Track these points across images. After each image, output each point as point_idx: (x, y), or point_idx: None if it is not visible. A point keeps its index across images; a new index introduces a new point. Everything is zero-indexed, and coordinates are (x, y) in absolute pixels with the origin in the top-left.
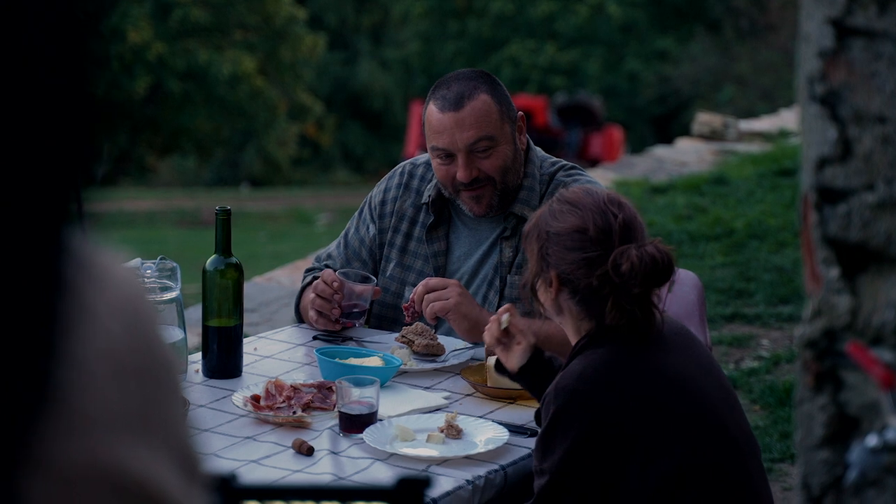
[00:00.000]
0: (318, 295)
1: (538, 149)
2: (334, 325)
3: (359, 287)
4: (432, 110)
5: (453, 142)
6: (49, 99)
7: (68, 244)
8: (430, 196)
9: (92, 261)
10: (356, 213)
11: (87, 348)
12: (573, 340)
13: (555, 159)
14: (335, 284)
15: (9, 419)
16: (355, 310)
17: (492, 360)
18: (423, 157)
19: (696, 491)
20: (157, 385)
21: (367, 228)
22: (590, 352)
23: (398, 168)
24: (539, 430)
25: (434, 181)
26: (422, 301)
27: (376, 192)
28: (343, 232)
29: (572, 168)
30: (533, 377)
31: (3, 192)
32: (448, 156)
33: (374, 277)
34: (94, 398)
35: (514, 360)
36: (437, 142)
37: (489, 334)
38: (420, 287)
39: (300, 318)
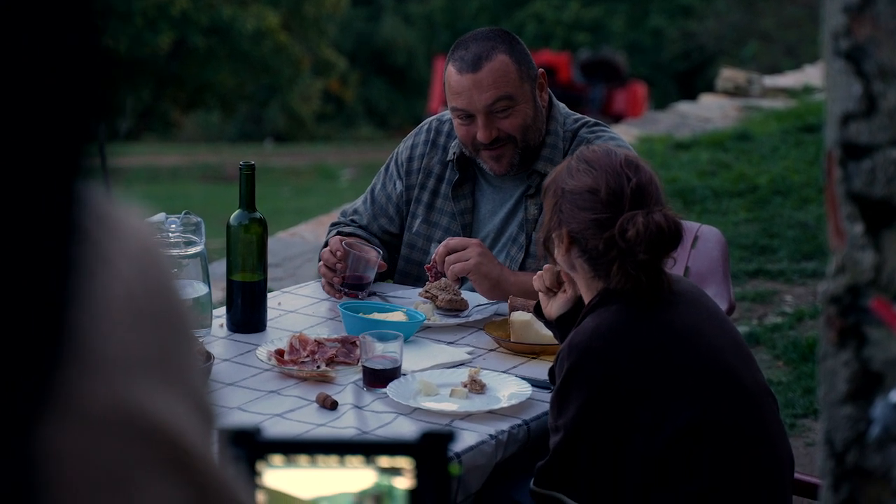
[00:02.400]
0: (323, 263)
1: (562, 105)
2: (337, 293)
3: (363, 257)
4: (451, 71)
5: (472, 103)
6: (59, 50)
7: (82, 195)
8: (454, 153)
9: (107, 212)
10: (382, 169)
11: (104, 294)
12: (586, 298)
13: (578, 116)
14: (338, 254)
15: (31, 365)
16: (360, 282)
17: (516, 315)
18: (448, 114)
19: (710, 445)
20: (174, 331)
21: (394, 185)
22: (602, 309)
23: (424, 124)
24: (554, 388)
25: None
26: (443, 262)
27: (403, 148)
28: (369, 188)
29: (596, 125)
30: (569, 329)
31: (16, 142)
32: (468, 116)
33: (380, 250)
34: (113, 342)
35: (555, 307)
36: (456, 103)
37: (539, 281)
38: (441, 248)
39: None
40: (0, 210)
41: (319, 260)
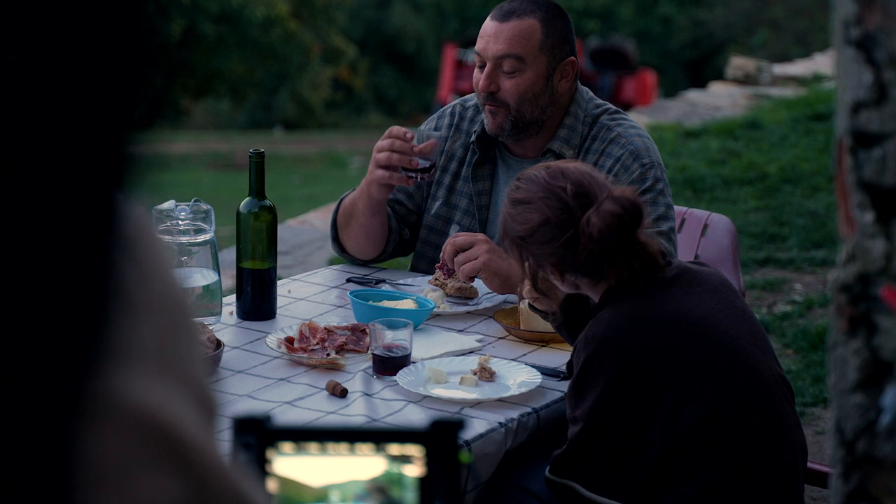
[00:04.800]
0: (394, 150)
1: (585, 90)
2: (408, 181)
3: (426, 137)
4: (488, 17)
5: (486, 48)
6: (109, 44)
7: (119, 200)
8: (476, 132)
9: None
10: None
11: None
12: (598, 299)
13: (600, 102)
14: (408, 135)
15: (72, 364)
16: (421, 166)
17: (525, 304)
18: (473, 99)
19: (723, 436)
20: (171, 320)
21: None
22: (616, 301)
23: (448, 108)
24: (571, 378)
25: (481, 120)
26: (452, 260)
27: (425, 129)
28: None
29: (616, 112)
30: (567, 315)
31: (52, 144)
32: (482, 62)
33: (435, 132)
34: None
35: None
36: (477, 45)
37: (523, 297)
38: (448, 246)
39: (336, 235)
40: (32, 209)
41: (335, 220)
